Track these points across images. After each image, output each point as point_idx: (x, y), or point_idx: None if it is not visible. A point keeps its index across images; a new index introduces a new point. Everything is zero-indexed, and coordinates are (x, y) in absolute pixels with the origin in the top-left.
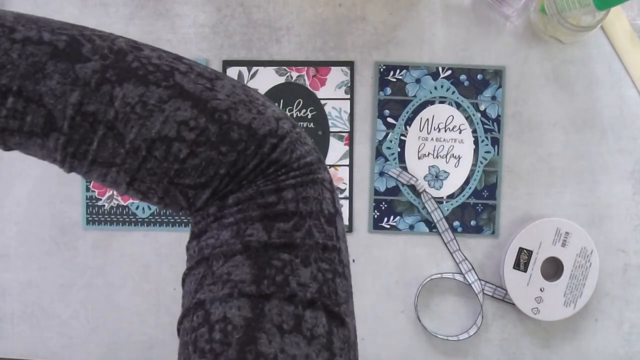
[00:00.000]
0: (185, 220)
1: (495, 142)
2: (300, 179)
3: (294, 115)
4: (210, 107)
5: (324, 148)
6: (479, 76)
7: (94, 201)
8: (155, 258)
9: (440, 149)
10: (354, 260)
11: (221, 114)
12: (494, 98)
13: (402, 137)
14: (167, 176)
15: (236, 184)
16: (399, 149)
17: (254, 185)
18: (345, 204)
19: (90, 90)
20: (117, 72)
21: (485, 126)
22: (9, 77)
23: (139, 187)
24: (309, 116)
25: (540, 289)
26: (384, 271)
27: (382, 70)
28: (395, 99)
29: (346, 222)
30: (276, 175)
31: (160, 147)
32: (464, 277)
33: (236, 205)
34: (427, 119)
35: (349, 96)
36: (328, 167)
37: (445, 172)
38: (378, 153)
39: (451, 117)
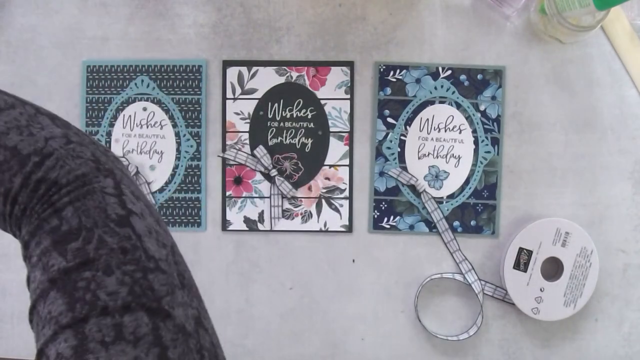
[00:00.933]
0: (184, 220)
1: (495, 142)
2: (74, 194)
3: (294, 115)
4: None
5: (324, 148)
6: (479, 76)
7: None
8: None
9: (440, 149)
10: (354, 261)
11: None
12: (494, 98)
13: (402, 137)
14: None
15: (20, 208)
16: (399, 149)
17: (35, 214)
18: (345, 204)
19: None
20: None
21: (485, 126)
22: None
23: None
24: (309, 116)
25: (540, 289)
26: (384, 271)
27: (382, 70)
28: (395, 99)
29: (346, 222)
30: (50, 196)
31: None
32: (464, 277)
33: (31, 240)
34: (427, 119)
35: (349, 96)
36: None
37: (445, 172)
38: (378, 153)
39: (451, 117)
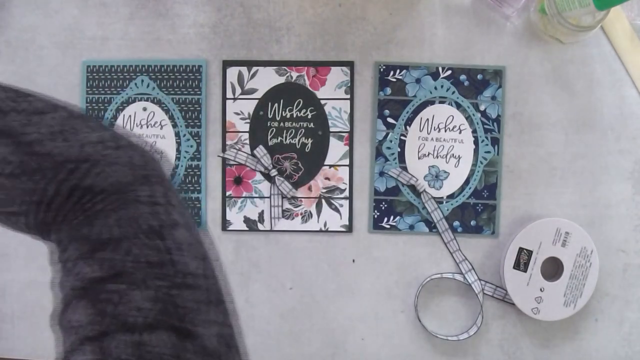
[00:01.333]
0: None
1: (495, 142)
2: (108, 202)
3: (294, 115)
4: (24, 142)
5: (324, 148)
6: (479, 76)
7: None
8: None
9: (440, 149)
10: (354, 261)
11: (28, 146)
12: (494, 98)
13: (402, 137)
14: None
15: (52, 214)
16: (399, 149)
17: (67, 221)
18: (345, 204)
19: None
20: None
21: (485, 126)
22: None
23: None
24: (309, 116)
25: (540, 289)
26: (384, 271)
27: (382, 70)
28: (395, 99)
29: (346, 222)
30: (83, 204)
31: None
32: (464, 277)
33: (63, 246)
34: (427, 119)
35: (349, 96)
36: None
37: (445, 172)
38: (378, 153)
39: (451, 117)
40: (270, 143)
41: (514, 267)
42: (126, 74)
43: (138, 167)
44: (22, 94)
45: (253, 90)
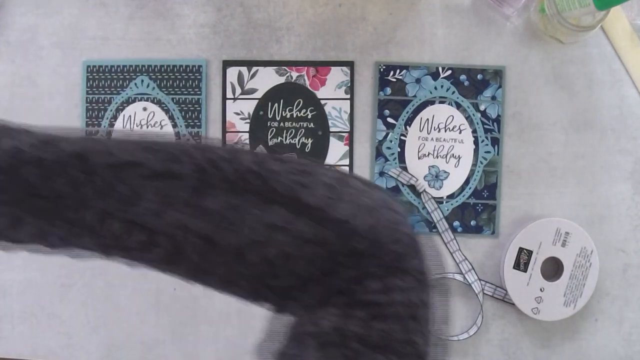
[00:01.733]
0: None
1: (495, 142)
2: (382, 268)
3: (294, 115)
4: (303, 204)
5: (324, 148)
6: (479, 76)
7: None
8: None
9: (440, 149)
10: None
11: (313, 211)
12: (494, 98)
13: (402, 137)
14: (261, 279)
15: (333, 280)
16: (399, 149)
17: (339, 278)
18: None
19: (183, 206)
20: (210, 185)
21: (485, 126)
22: (107, 203)
23: (239, 292)
24: (309, 116)
25: (540, 289)
26: None
27: (382, 70)
28: (395, 99)
29: None
30: (357, 264)
31: (251, 252)
32: (464, 277)
33: (324, 293)
34: (427, 119)
35: (349, 96)
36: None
37: (445, 172)
38: (378, 153)
39: (451, 117)
40: (270, 143)
41: (514, 267)
42: (126, 74)
43: (412, 239)
44: (271, 155)
45: (253, 90)
